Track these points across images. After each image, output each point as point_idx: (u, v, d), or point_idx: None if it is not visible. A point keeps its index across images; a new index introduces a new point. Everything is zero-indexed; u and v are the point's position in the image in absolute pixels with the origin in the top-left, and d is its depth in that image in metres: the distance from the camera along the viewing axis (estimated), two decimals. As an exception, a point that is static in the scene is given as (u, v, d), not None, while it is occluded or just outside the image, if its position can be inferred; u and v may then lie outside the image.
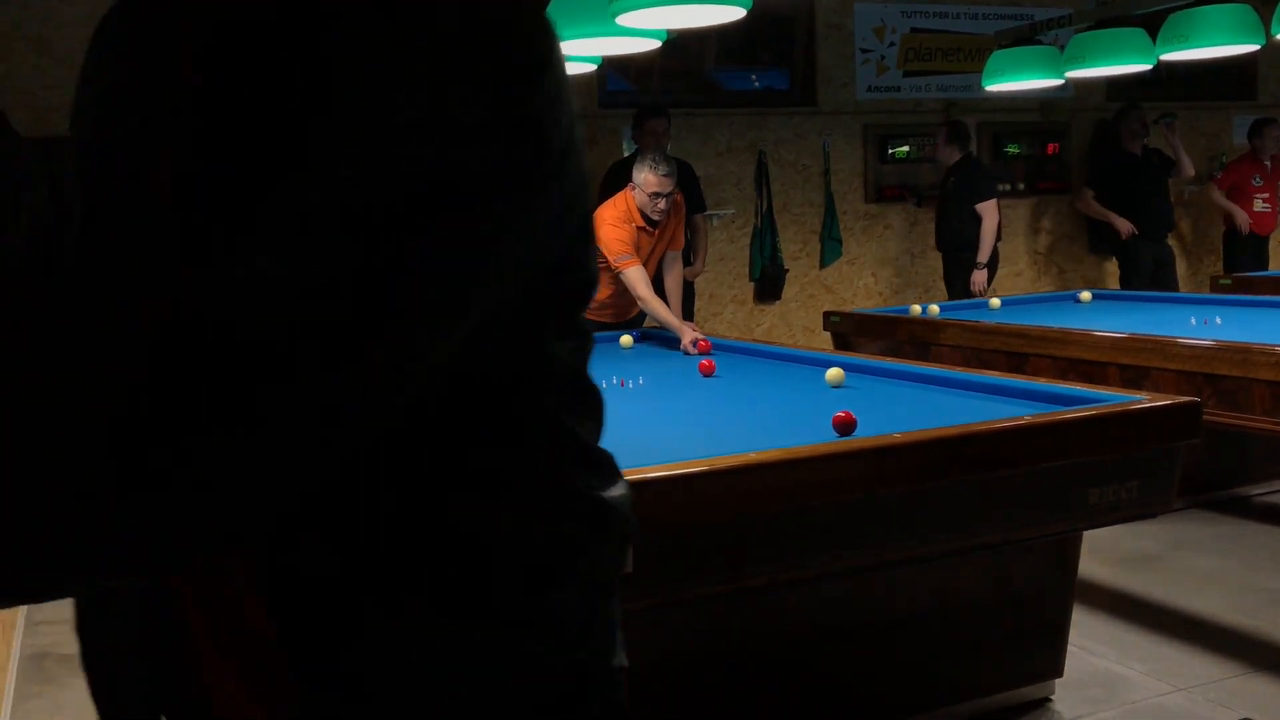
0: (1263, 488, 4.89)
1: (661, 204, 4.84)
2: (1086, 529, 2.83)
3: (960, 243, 6.69)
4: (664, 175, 4.79)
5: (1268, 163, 7.35)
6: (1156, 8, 4.57)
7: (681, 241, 5.26)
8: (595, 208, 6.11)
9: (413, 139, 0.67)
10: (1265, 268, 7.05)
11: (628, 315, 5.25)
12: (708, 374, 3.82)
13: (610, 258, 4.83)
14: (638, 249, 4.88)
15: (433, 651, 0.78)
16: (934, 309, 5.34)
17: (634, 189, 4.89)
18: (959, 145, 6.70)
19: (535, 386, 0.88)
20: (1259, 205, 7.39)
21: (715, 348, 4.50)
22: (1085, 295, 5.78)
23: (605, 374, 3.88)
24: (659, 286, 5.09)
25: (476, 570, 0.80)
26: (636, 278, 4.78)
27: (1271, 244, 7.92)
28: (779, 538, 2.33)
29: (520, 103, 0.72)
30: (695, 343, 4.52)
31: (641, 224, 4.91)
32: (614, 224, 4.87)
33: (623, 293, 5.01)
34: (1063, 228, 8.02)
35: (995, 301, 5.58)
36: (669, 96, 6.79)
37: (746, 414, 3.21)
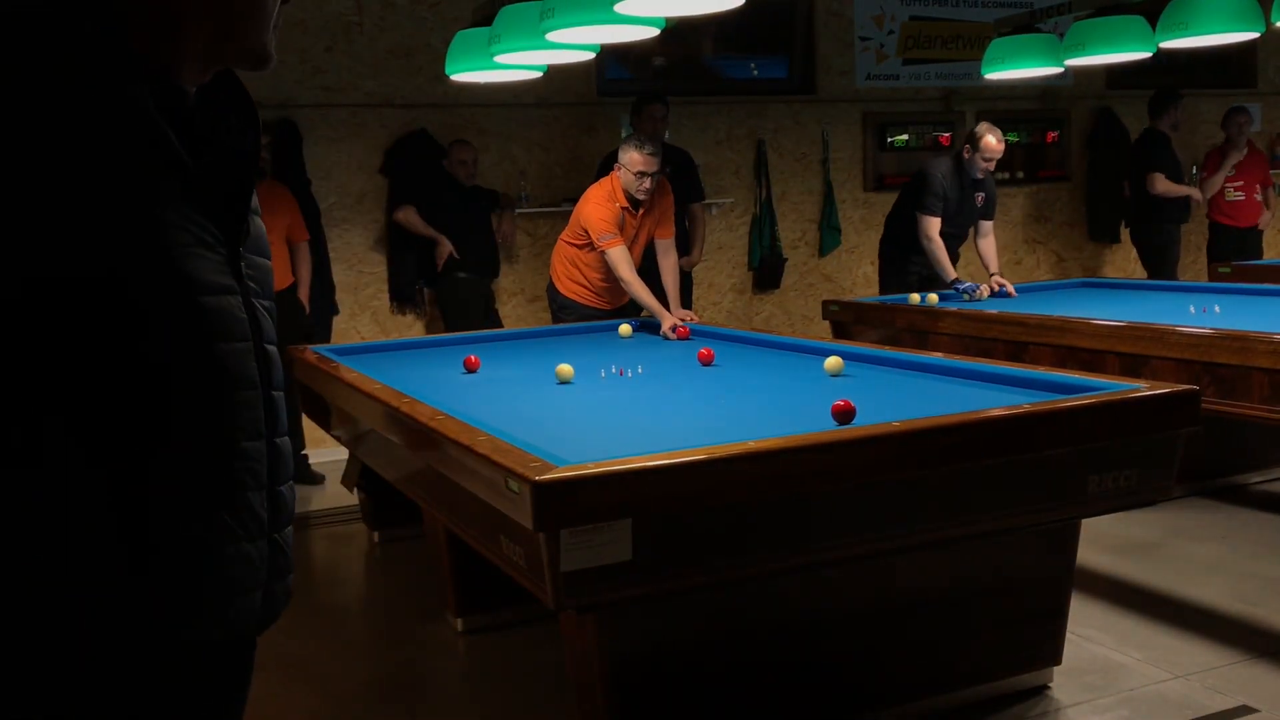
0: (1261, 476, 4.89)
1: (647, 183, 4.84)
2: (1085, 516, 2.83)
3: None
4: (649, 154, 4.80)
5: (1242, 151, 7.28)
6: (1156, -5, 4.56)
7: (672, 229, 5.24)
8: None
9: None
10: (1247, 259, 6.98)
11: (622, 300, 5.24)
12: (706, 363, 3.82)
13: (593, 236, 4.84)
14: (621, 230, 4.88)
15: None
16: (933, 298, 5.34)
17: (620, 169, 4.89)
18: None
19: None
20: (1231, 195, 7.32)
21: (714, 337, 4.50)
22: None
23: (604, 363, 3.89)
24: (653, 275, 5.10)
25: None
26: (619, 258, 4.79)
27: (1269, 235, 7.89)
28: (778, 526, 2.33)
29: None
30: (674, 328, 4.54)
31: (625, 204, 4.90)
32: (598, 203, 4.90)
33: (603, 273, 5.01)
34: (1061, 215, 8.01)
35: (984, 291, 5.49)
36: (668, 85, 6.77)
37: (745, 403, 3.21)
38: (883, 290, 6.13)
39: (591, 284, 5.10)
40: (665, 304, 5.09)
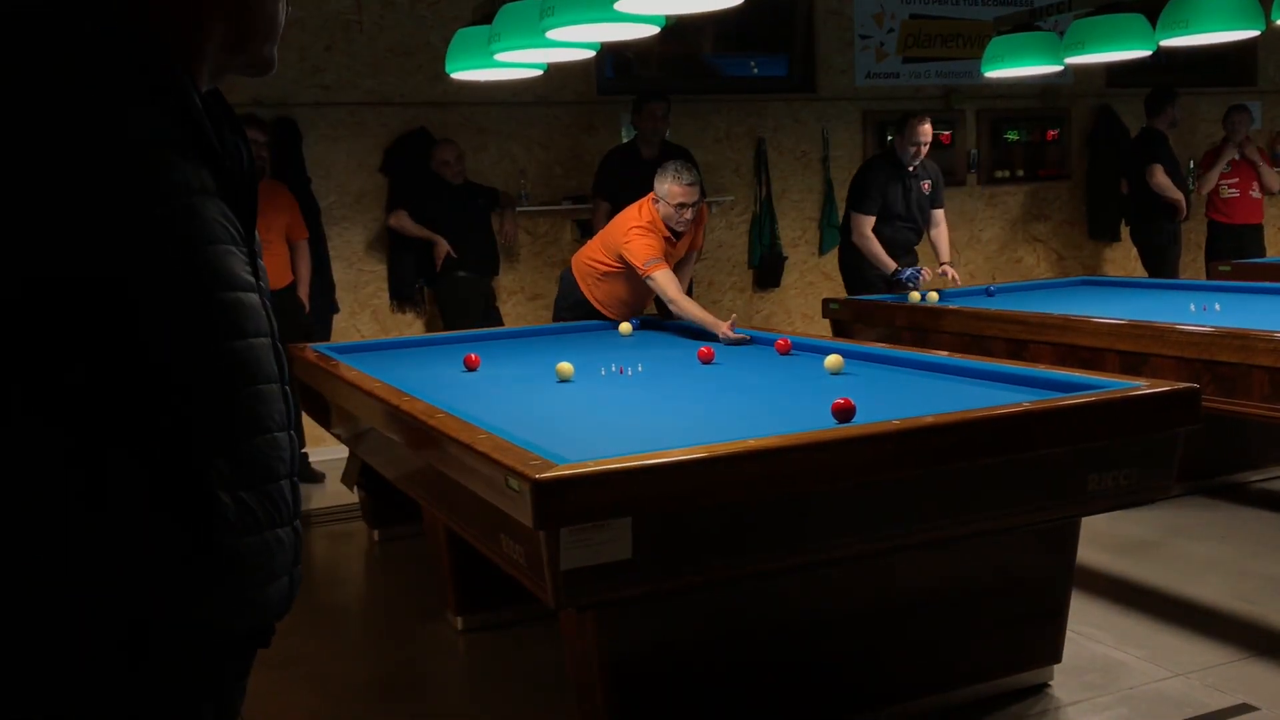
0: (1261, 474, 4.90)
1: (688, 214, 4.70)
2: (1085, 515, 2.83)
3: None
4: (688, 185, 4.64)
5: (1238, 150, 7.26)
6: (1156, -7, 4.56)
7: (701, 242, 5.16)
8: (593, 188, 6.09)
9: None
10: (1247, 256, 6.96)
11: (637, 314, 5.21)
12: (707, 361, 3.82)
13: (638, 265, 4.64)
14: (667, 257, 4.74)
15: None
16: (933, 296, 5.33)
17: (657, 202, 4.71)
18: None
19: None
20: (1226, 192, 7.31)
21: (714, 335, 4.50)
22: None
23: (604, 361, 3.89)
24: None
25: None
26: (666, 281, 4.61)
27: (1269, 233, 7.88)
28: (778, 524, 2.33)
29: None
30: (732, 328, 4.32)
31: (667, 234, 4.76)
32: (642, 234, 4.69)
33: (634, 292, 4.92)
34: (1061, 214, 8.01)
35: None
36: (668, 83, 6.77)
37: (745, 401, 3.21)
38: (851, 294, 6.03)
39: (619, 300, 5.00)
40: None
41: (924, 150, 5.75)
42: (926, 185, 5.89)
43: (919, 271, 5.46)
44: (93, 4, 1.05)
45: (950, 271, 5.70)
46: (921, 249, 6.16)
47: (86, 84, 1.00)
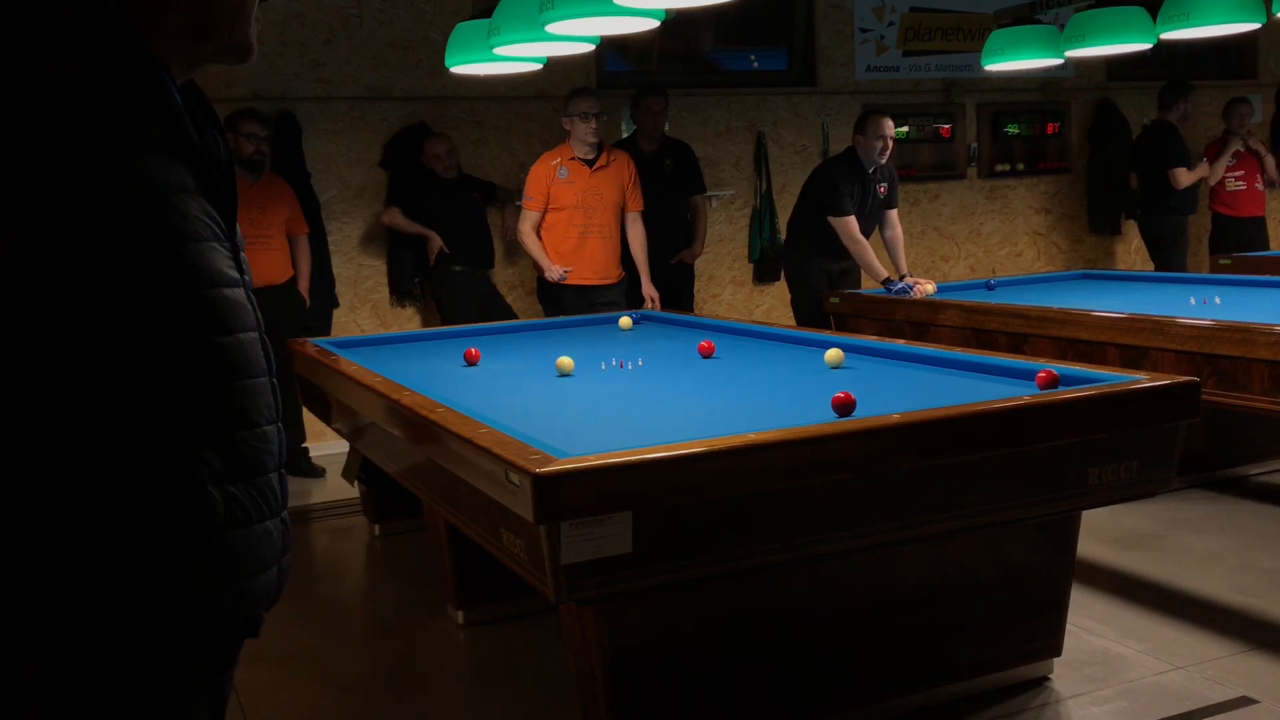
0: (1261, 467, 4.90)
1: (593, 123, 5.18)
2: (1085, 508, 2.83)
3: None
4: (591, 97, 5.25)
5: (1243, 141, 7.26)
6: (1157, -14, 4.55)
7: (639, 203, 5.46)
8: None
9: None
10: (1254, 249, 6.96)
11: (615, 276, 5.47)
12: (707, 355, 3.82)
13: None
14: (572, 184, 5.25)
15: None
16: (930, 288, 5.31)
17: (569, 123, 5.24)
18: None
19: None
20: (1232, 185, 7.31)
21: (714, 329, 4.50)
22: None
23: (605, 355, 3.88)
24: (624, 248, 5.48)
25: None
26: (527, 219, 5.35)
27: (1273, 227, 7.87)
28: (778, 518, 2.33)
29: None
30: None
31: (575, 156, 5.23)
32: (537, 164, 5.36)
33: (588, 244, 5.32)
34: (1062, 208, 8.01)
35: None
36: (668, 78, 6.76)
37: (746, 395, 3.21)
38: (795, 302, 5.84)
39: (551, 250, 5.39)
40: (637, 276, 5.50)
41: (890, 146, 5.47)
42: (883, 189, 5.63)
43: (910, 287, 5.18)
44: (91, 4, 1.05)
45: (924, 283, 5.24)
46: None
47: (87, 84, 1.01)
